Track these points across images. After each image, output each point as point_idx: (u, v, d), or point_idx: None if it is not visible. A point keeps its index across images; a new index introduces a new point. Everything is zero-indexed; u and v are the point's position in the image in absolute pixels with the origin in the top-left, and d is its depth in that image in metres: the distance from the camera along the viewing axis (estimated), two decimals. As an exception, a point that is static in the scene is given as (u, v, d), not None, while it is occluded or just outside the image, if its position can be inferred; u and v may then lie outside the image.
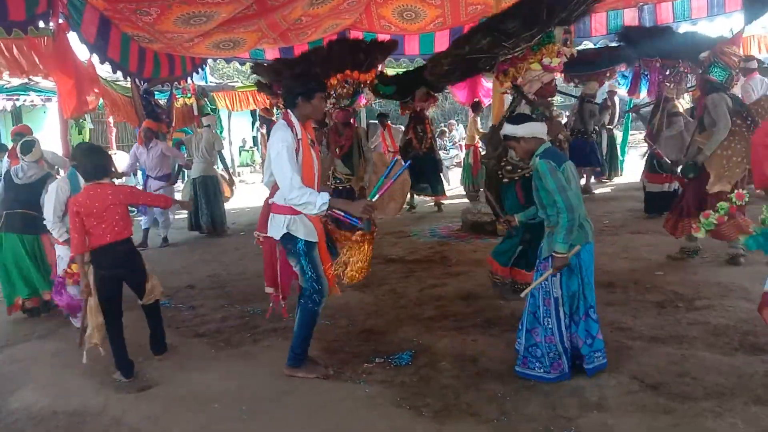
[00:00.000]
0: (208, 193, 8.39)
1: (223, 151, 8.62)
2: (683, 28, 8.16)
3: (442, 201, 9.29)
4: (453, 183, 11.74)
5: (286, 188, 3.20)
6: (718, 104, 4.88)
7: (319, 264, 3.45)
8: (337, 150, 5.91)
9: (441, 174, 9.27)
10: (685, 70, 7.06)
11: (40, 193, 4.88)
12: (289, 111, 3.41)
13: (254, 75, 5.74)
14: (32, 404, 3.46)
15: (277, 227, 3.39)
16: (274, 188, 3.43)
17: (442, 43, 9.54)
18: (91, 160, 3.67)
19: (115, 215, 3.63)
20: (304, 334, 3.53)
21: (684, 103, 7.73)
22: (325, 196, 3.20)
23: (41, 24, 4.39)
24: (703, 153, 4.85)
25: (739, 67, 5.21)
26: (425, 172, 8.93)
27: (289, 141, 3.26)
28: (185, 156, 9.20)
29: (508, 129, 3.31)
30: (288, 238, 3.37)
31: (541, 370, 3.26)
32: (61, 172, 5.65)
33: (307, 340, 3.56)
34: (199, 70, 8.80)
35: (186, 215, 8.80)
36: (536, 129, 3.24)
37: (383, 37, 9.04)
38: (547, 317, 3.23)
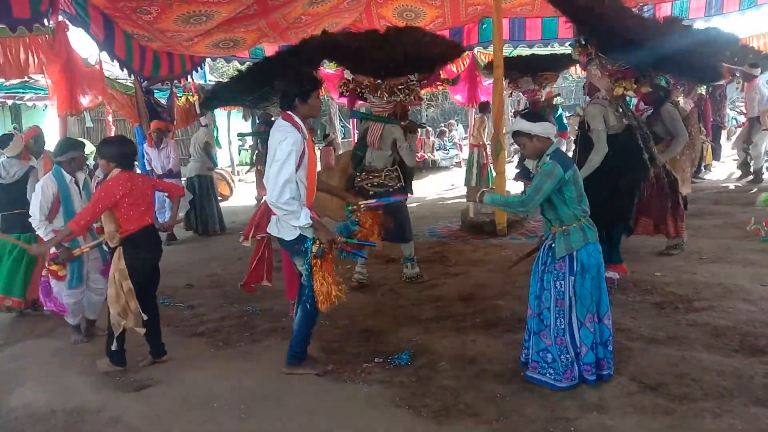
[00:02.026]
0: (202, 193, 8.32)
1: (213, 151, 8.49)
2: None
3: None
4: (457, 183, 11.74)
5: (277, 192, 3.17)
6: (676, 117, 5.19)
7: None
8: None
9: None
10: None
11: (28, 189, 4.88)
12: (289, 112, 3.36)
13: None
14: (31, 402, 3.45)
15: (289, 229, 3.33)
16: None
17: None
18: (122, 150, 3.79)
19: (148, 199, 3.77)
20: (304, 332, 3.53)
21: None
22: (307, 215, 3.20)
23: (46, 22, 4.38)
24: (659, 158, 5.00)
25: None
26: None
27: (299, 146, 3.23)
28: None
29: (524, 125, 3.21)
30: (298, 238, 3.34)
31: (552, 378, 3.17)
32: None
33: (307, 338, 3.56)
34: (199, 68, 8.78)
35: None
36: (550, 129, 3.23)
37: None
38: (560, 317, 3.15)
